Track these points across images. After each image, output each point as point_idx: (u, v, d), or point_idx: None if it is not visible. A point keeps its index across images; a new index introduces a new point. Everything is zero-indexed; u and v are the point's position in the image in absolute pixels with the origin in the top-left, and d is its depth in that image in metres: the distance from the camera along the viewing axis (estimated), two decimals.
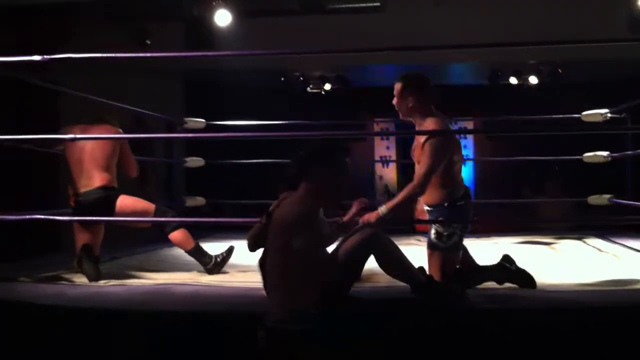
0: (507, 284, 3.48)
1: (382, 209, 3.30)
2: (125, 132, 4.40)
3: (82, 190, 4.10)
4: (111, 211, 4.09)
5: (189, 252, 4.23)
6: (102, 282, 3.81)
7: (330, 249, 3.09)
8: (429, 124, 3.50)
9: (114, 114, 4.38)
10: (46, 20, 6.23)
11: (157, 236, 4.34)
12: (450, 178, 3.49)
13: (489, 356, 2.81)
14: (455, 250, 3.48)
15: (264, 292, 2.88)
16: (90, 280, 3.83)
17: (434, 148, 3.37)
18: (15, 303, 3.28)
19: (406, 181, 3.73)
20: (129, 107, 5.18)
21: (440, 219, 3.49)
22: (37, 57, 3.65)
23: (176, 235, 4.19)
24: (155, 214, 4.15)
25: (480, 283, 3.50)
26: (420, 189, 3.38)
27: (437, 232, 3.48)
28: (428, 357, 2.82)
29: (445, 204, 3.50)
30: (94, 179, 4.10)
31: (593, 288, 3.50)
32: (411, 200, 3.46)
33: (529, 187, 8.40)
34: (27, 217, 3.86)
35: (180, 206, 6.37)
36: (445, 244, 3.46)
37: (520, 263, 3.56)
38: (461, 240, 3.49)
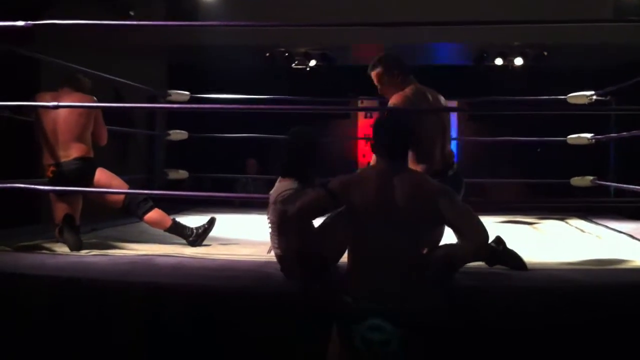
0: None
1: None
2: (102, 102, 4.31)
3: (61, 160, 4.03)
4: (89, 182, 4.04)
5: (168, 231, 4.18)
6: (83, 252, 3.75)
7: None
8: (392, 99, 3.57)
9: (85, 81, 4.27)
10: None
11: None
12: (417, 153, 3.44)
13: (473, 335, 2.81)
14: None
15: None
16: (72, 249, 3.78)
17: None
18: None
19: None
20: (109, 76, 5.09)
21: None
22: (20, 23, 3.59)
23: (151, 216, 4.13)
24: (126, 200, 4.09)
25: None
26: None
27: None
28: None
29: None
30: (71, 150, 4.03)
31: (576, 267, 3.50)
32: None
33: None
34: (7, 185, 3.80)
35: (162, 179, 6.30)
36: None
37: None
38: None
